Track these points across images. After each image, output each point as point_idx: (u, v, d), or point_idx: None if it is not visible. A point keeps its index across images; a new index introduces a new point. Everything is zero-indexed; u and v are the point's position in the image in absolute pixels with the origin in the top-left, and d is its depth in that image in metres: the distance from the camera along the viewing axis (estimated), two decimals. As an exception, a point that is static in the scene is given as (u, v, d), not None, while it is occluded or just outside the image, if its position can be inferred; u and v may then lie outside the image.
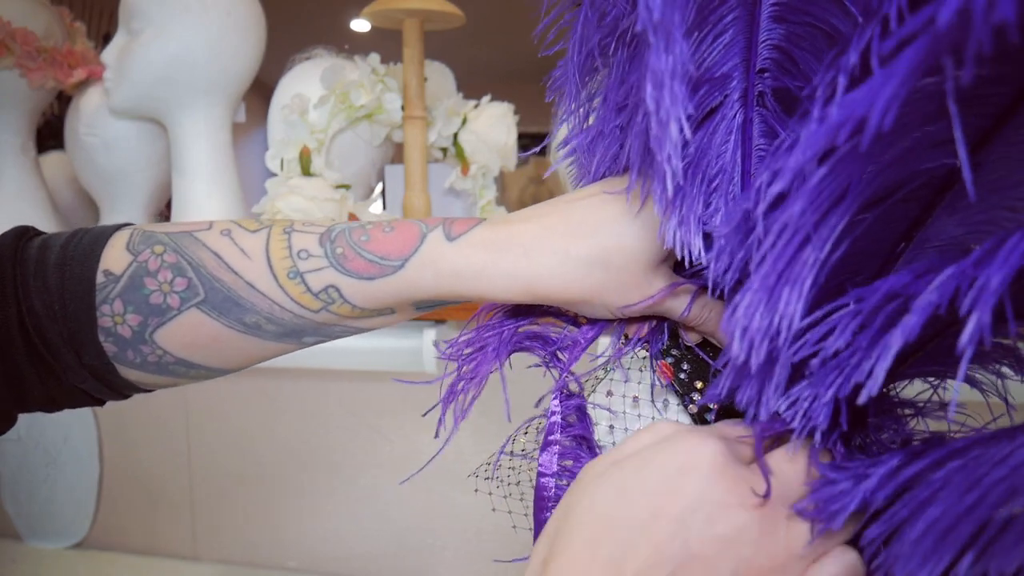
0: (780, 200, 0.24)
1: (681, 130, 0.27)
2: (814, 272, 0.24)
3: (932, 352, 0.30)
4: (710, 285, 0.32)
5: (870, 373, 0.24)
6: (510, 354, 0.41)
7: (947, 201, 0.27)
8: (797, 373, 0.28)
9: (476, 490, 0.42)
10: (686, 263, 0.35)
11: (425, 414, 0.42)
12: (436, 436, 0.41)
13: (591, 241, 0.35)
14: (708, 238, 0.34)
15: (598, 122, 0.38)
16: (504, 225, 0.37)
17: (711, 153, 0.34)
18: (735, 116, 0.33)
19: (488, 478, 0.42)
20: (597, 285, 0.36)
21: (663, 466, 0.28)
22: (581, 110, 0.38)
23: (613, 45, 0.34)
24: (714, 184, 0.34)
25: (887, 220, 0.27)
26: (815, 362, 0.26)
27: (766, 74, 0.33)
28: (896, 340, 0.23)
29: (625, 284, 0.36)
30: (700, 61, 0.32)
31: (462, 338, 0.42)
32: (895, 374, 0.32)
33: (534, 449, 0.41)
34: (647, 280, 0.36)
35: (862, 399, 0.24)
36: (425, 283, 0.37)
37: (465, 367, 0.41)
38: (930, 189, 0.27)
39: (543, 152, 0.46)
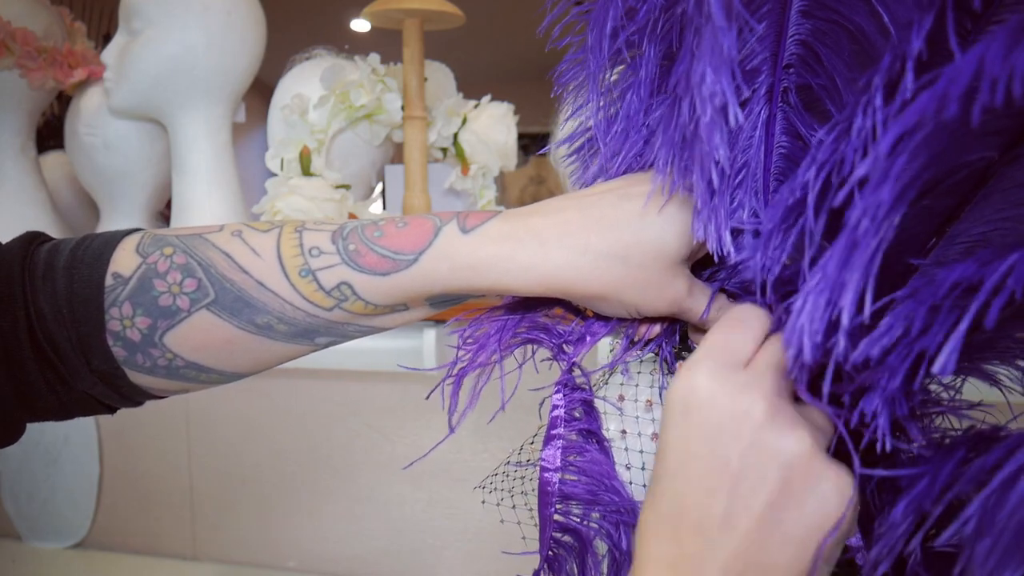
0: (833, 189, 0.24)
1: (736, 116, 0.27)
2: (877, 262, 0.25)
3: (965, 348, 0.30)
4: (757, 278, 0.32)
5: (940, 355, 0.24)
6: (518, 346, 0.41)
7: (980, 196, 0.27)
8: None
9: (483, 502, 0.41)
10: (715, 258, 0.35)
11: (428, 396, 0.41)
12: (450, 428, 0.40)
13: (611, 235, 0.35)
14: (733, 234, 0.34)
15: (622, 119, 0.38)
16: (520, 218, 0.37)
17: (737, 148, 0.34)
18: (761, 112, 0.34)
19: (494, 489, 0.42)
20: (615, 281, 0.35)
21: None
22: (601, 101, 0.38)
23: (641, 39, 0.34)
24: (738, 179, 0.34)
25: (927, 213, 0.28)
26: (874, 353, 0.26)
27: (791, 70, 0.33)
28: (966, 323, 0.23)
29: (643, 281, 0.36)
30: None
31: (470, 326, 0.42)
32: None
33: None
34: (665, 279, 0.36)
35: (941, 370, 0.24)
36: (440, 276, 0.36)
37: (468, 353, 0.41)
38: (968, 183, 0.27)
39: (544, 152, 0.46)
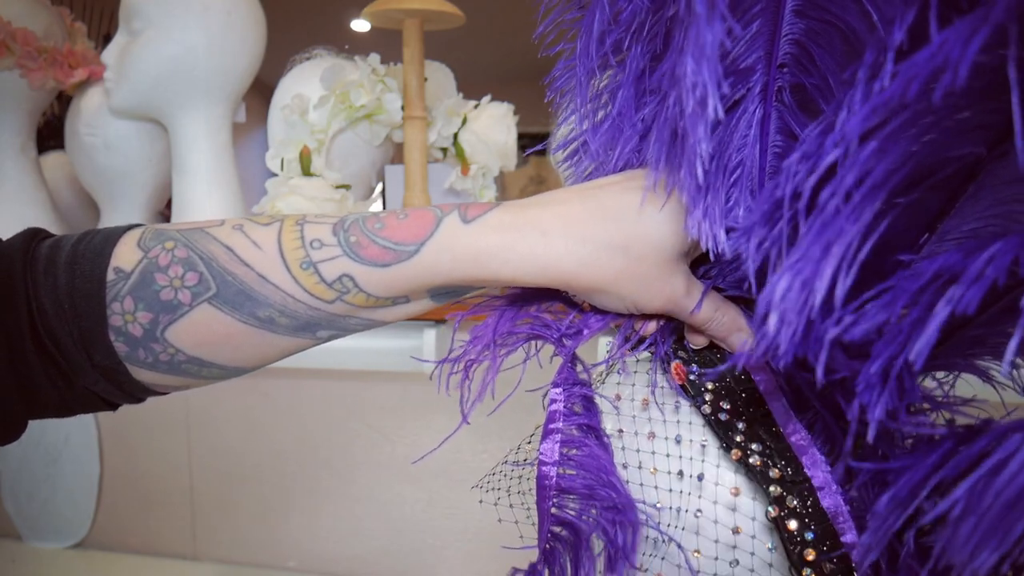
0: (821, 182, 0.24)
1: (716, 109, 0.27)
2: (854, 249, 0.25)
3: (956, 343, 0.30)
4: (751, 270, 0.32)
5: (916, 343, 0.25)
6: (522, 342, 0.41)
7: (970, 191, 0.27)
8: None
9: (481, 501, 0.41)
10: (711, 256, 0.35)
11: (431, 375, 0.41)
12: (463, 417, 0.40)
13: (612, 226, 0.35)
14: (729, 232, 0.34)
15: (615, 117, 0.38)
16: (522, 208, 0.37)
17: (732, 146, 0.34)
18: (755, 110, 0.34)
19: (491, 489, 0.42)
20: (615, 272, 0.36)
21: None
22: (590, 106, 0.38)
23: (628, 41, 0.34)
24: (733, 177, 0.34)
25: (917, 208, 0.28)
26: (854, 337, 0.26)
27: (785, 69, 0.33)
28: (945, 312, 0.23)
29: (642, 275, 0.36)
30: (728, 51, 0.32)
31: (470, 312, 0.42)
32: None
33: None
34: (664, 274, 0.36)
35: (915, 357, 0.24)
36: (442, 267, 0.36)
37: (469, 342, 0.41)
38: (957, 178, 0.27)
39: (543, 152, 0.46)
